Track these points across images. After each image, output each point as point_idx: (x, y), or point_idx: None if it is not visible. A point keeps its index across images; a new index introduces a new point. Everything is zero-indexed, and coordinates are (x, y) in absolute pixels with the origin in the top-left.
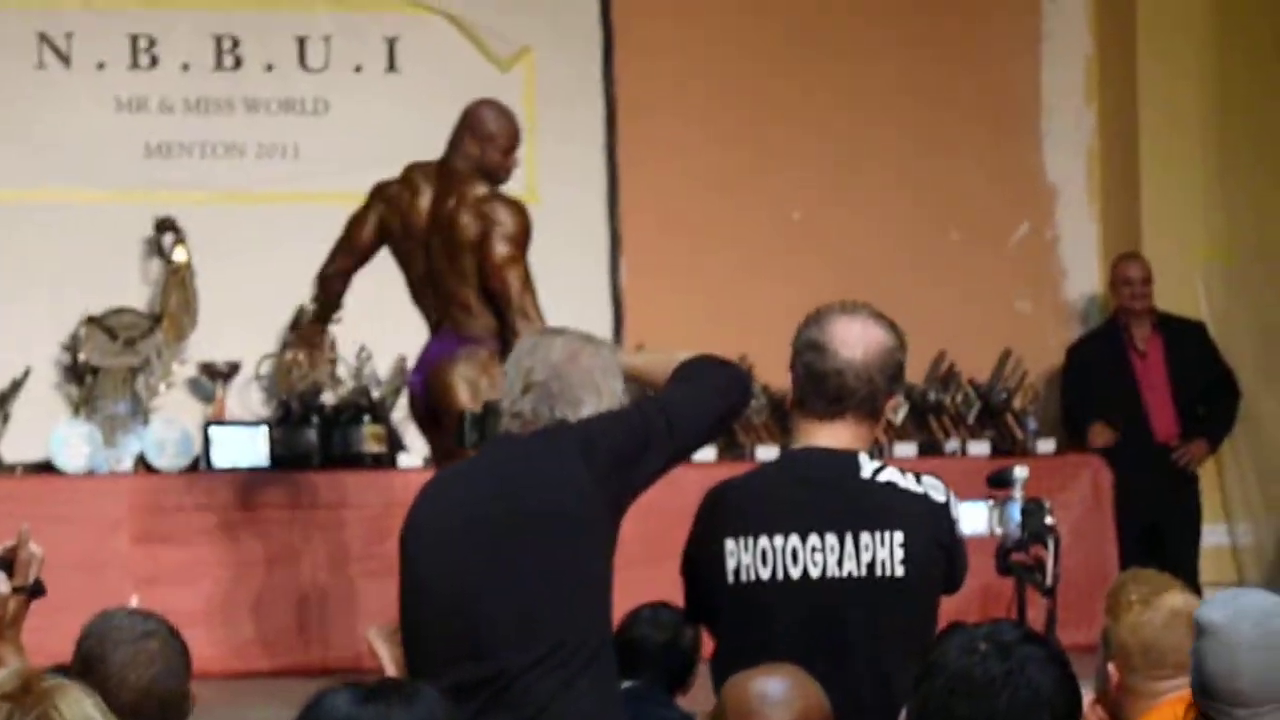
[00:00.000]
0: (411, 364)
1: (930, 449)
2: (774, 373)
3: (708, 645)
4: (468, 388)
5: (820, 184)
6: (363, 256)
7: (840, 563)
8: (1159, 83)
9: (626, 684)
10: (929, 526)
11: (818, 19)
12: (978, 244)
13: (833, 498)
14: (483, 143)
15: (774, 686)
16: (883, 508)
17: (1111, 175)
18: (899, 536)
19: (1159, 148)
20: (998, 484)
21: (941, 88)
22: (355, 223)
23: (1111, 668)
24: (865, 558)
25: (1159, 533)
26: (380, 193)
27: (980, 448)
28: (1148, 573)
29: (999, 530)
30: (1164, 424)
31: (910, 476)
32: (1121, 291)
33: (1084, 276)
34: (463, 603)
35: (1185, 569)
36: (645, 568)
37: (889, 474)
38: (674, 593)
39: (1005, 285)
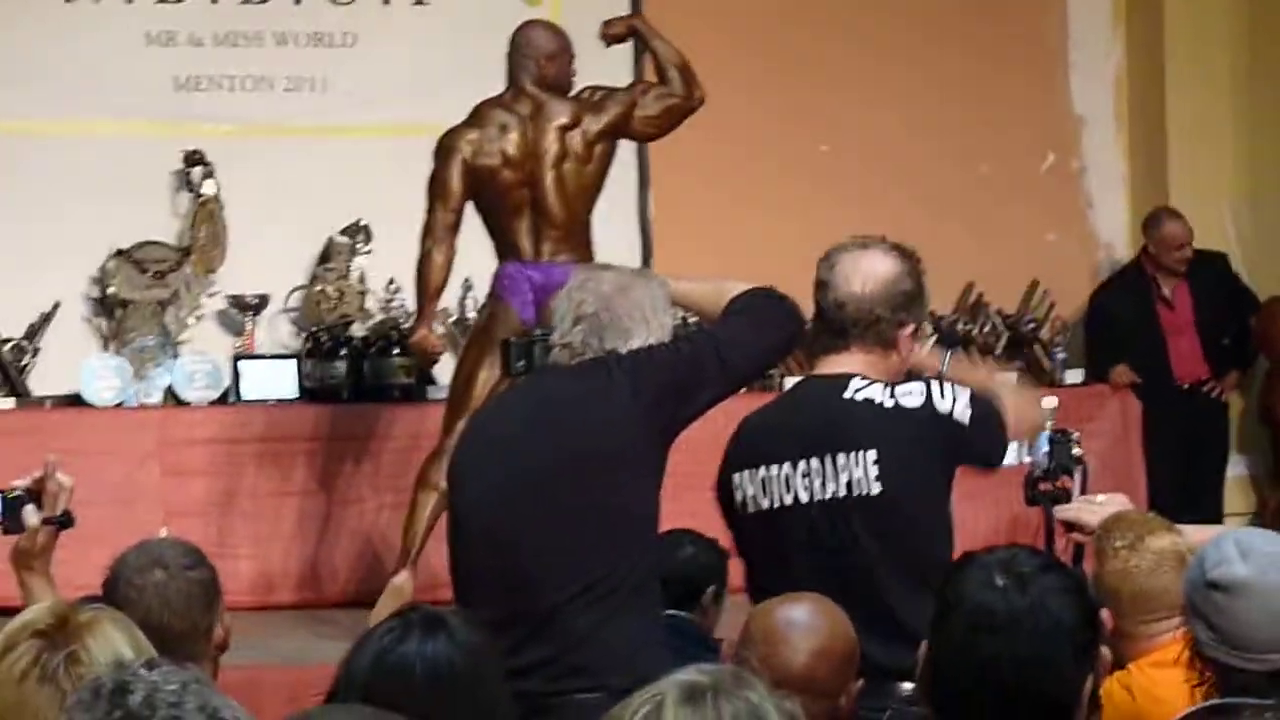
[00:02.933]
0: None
1: None
2: (805, 301)
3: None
4: None
5: (846, 119)
6: (460, 213)
7: (824, 485)
8: (1186, 10)
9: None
10: (907, 437)
11: None
12: (1005, 176)
13: (816, 422)
14: (548, 61)
15: (799, 614)
16: (858, 426)
17: (1138, 105)
18: (871, 454)
19: (1186, 77)
20: None
21: (966, 20)
22: (440, 182)
23: (1105, 613)
24: (844, 478)
25: (1186, 463)
26: (455, 140)
27: (1008, 378)
28: (1130, 515)
29: (1027, 460)
30: (1187, 367)
31: (890, 389)
32: (1159, 249)
33: (1111, 207)
34: (506, 537)
35: (1210, 499)
36: (675, 500)
37: (869, 391)
38: (703, 526)
39: (1032, 216)
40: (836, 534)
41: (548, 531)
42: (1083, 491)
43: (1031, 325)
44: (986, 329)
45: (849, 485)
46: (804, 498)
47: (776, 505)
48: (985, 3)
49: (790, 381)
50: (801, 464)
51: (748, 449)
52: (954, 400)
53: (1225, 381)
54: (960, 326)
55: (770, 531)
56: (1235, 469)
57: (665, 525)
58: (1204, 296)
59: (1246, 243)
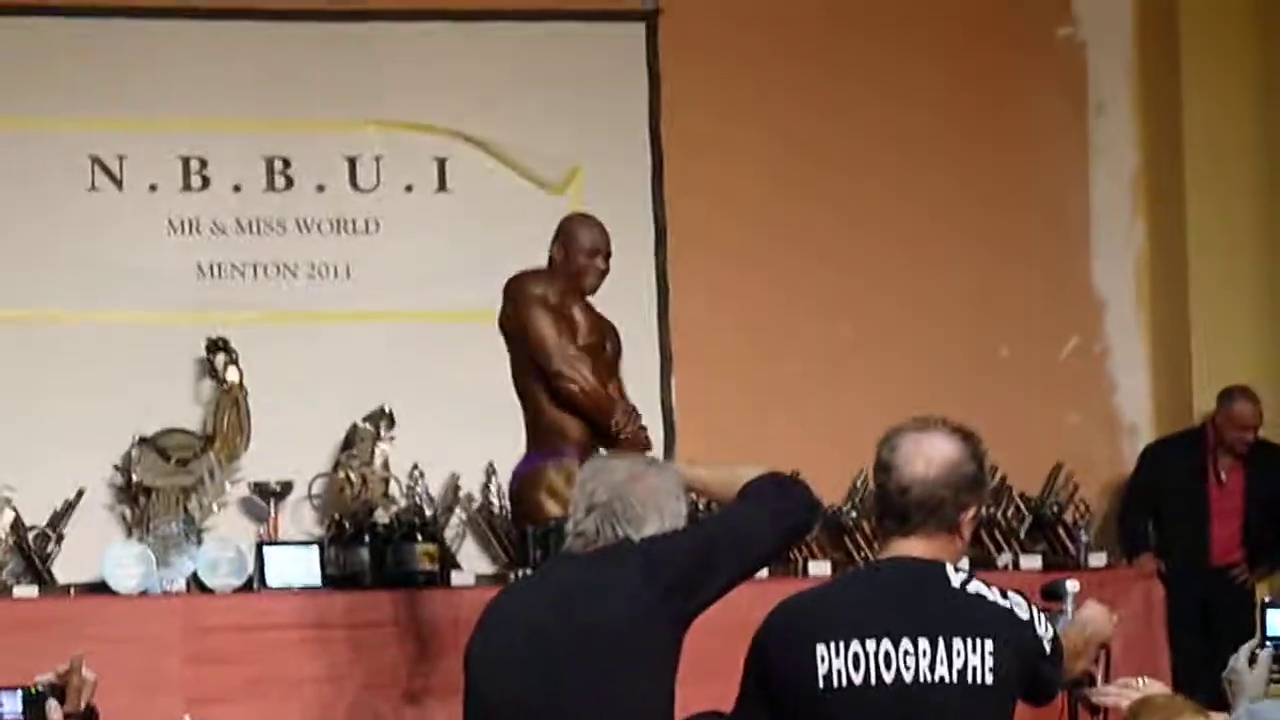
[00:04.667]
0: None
1: (982, 563)
2: (826, 486)
3: None
4: None
5: (869, 301)
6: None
7: (933, 667)
8: (1208, 194)
9: None
10: (1015, 640)
11: (867, 128)
12: (1027, 357)
13: (923, 604)
14: (580, 255)
15: None
16: (973, 616)
17: (1160, 289)
18: (989, 645)
19: (1208, 260)
20: (1050, 596)
21: (989, 203)
22: (543, 325)
23: None
24: (957, 664)
25: (1209, 644)
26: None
27: (1032, 561)
28: (1158, 699)
29: None
30: (1225, 549)
31: (996, 590)
32: (1225, 425)
33: (1134, 389)
34: (521, 718)
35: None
36: (699, 685)
37: (976, 585)
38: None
39: (1055, 399)
40: (931, 716)
41: (565, 715)
42: (1106, 674)
43: (1056, 509)
44: (1010, 512)
45: (960, 672)
46: (907, 677)
47: (874, 682)
48: (1006, 188)
49: (816, 566)
50: (905, 642)
51: (830, 622)
52: (1048, 630)
53: (1257, 573)
54: (984, 511)
55: (855, 707)
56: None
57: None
58: (1258, 483)
59: (1270, 426)
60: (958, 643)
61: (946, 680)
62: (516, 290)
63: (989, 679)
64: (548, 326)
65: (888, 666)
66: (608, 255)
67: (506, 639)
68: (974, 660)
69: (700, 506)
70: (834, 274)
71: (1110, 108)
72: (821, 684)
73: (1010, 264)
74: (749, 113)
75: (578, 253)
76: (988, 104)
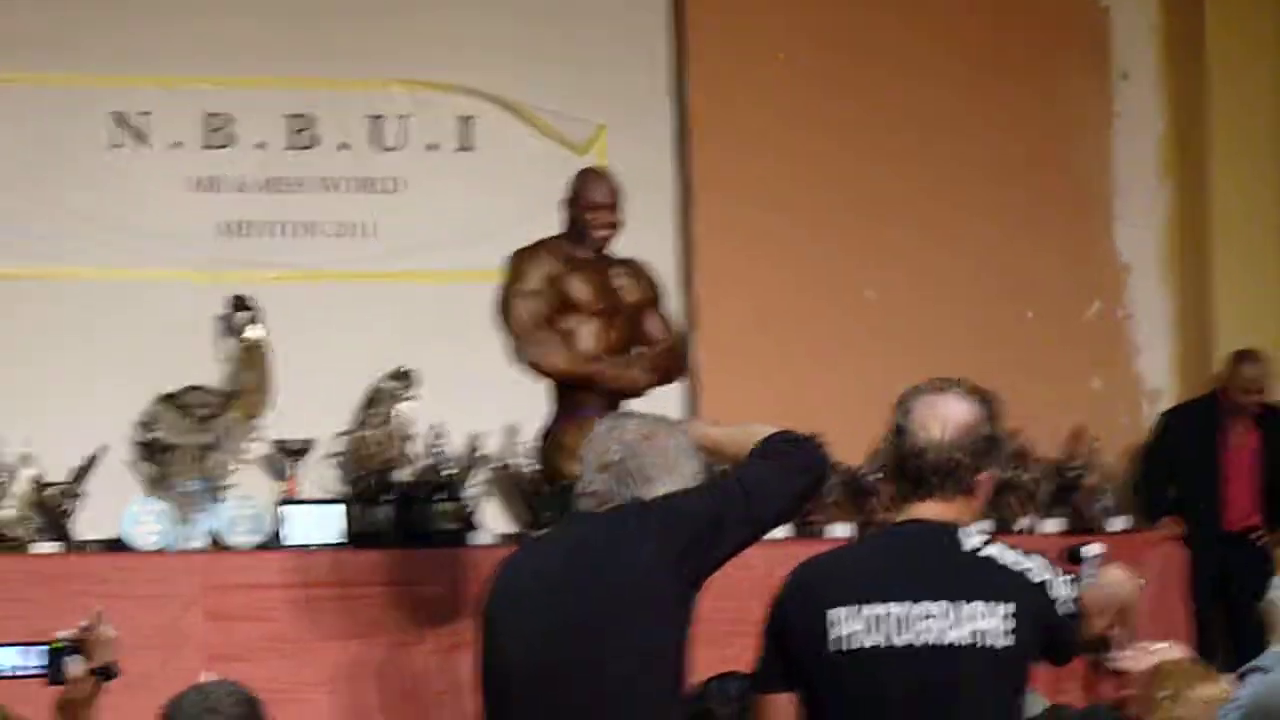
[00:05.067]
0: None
1: (1003, 526)
2: (848, 451)
3: None
4: None
5: (894, 264)
6: None
7: (947, 631)
8: (1232, 161)
9: None
10: (1030, 604)
11: (892, 101)
12: (1051, 322)
13: (938, 567)
14: (585, 210)
15: None
16: (989, 580)
17: (1184, 254)
18: (1003, 609)
19: (1232, 227)
20: (1071, 559)
21: (1014, 168)
22: (517, 314)
23: None
24: (971, 627)
25: (1228, 610)
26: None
27: (1053, 525)
28: (1171, 665)
29: None
30: (1239, 513)
31: (1015, 552)
32: (1233, 387)
33: (1156, 354)
34: (537, 678)
35: (1253, 648)
36: (716, 646)
37: (992, 548)
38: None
39: (1078, 363)
40: (949, 679)
41: (581, 680)
42: (1130, 638)
43: (1077, 473)
44: (1031, 477)
45: (974, 635)
46: (920, 640)
47: (886, 645)
48: (1031, 154)
49: (836, 529)
50: (920, 606)
51: (845, 585)
52: (1068, 591)
53: (1276, 535)
54: (1005, 474)
55: (869, 669)
56: None
57: (710, 670)
58: (1273, 445)
59: None
60: (971, 607)
61: (959, 644)
62: (505, 272)
63: (1002, 643)
64: (522, 314)
65: (900, 630)
66: (613, 207)
67: (520, 598)
68: (987, 624)
69: (711, 467)
70: (862, 231)
71: (1134, 74)
72: (833, 647)
73: (1034, 229)
74: (774, 71)
75: (581, 209)
76: (1012, 71)
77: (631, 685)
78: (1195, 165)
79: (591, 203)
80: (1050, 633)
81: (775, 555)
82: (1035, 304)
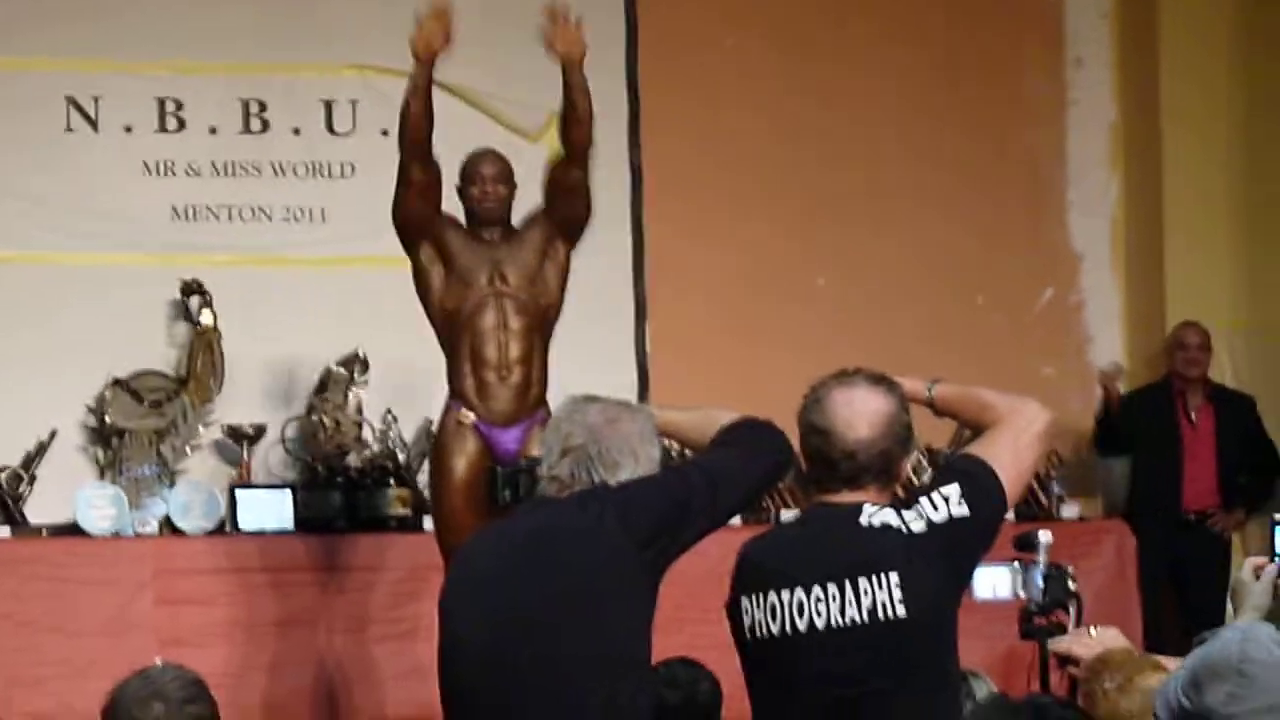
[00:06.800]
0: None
1: None
2: (796, 433)
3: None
4: None
5: (845, 253)
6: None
7: (843, 611)
8: (1183, 150)
9: None
10: (923, 557)
11: (841, 89)
12: (1002, 310)
13: (832, 548)
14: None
15: None
16: (879, 551)
17: (1136, 242)
18: (894, 577)
19: (1183, 215)
20: (1023, 547)
21: (967, 155)
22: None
23: None
24: (865, 603)
25: (1182, 597)
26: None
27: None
28: (1118, 655)
29: (1022, 594)
30: (1198, 494)
31: (906, 511)
32: (1176, 356)
33: (1108, 343)
34: (498, 674)
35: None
36: (670, 634)
37: (883, 515)
38: (701, 658)
39: (1030, 351)
40: (850, 661)
41: (540, 668)
42: (1078, 626)
43: None
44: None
45: (870, 611)
46: (819, 624)
47: (790, 631)
48: (985, 141)
49: (787, 515)
50: (815, 589)
51: (756, 573)
52: (946, 501)
53: (1231, 517)
54: None
55: (779, 658)
56: None
57: (663, 657)
58: (1228, 427)
59: (1243, 378)
60: (863, 582)
61: (858, 621)
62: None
63: (900, 611)
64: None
65: (800, 615)
66: (490, 179)
67: (478, 586)
68: (881, 596)
69: (674, 453)
70: (811, 221)
71: (1088, 62)
72: (748, 635)
73: (986, 217)
74: (726, 60)
75: (463, 184)
76: (966, 59)
77: (593, 674)
78: (1147, 153)
79: (467, 176)
80: (964, 547)
81: (728, 541)
82: (987, 291)
